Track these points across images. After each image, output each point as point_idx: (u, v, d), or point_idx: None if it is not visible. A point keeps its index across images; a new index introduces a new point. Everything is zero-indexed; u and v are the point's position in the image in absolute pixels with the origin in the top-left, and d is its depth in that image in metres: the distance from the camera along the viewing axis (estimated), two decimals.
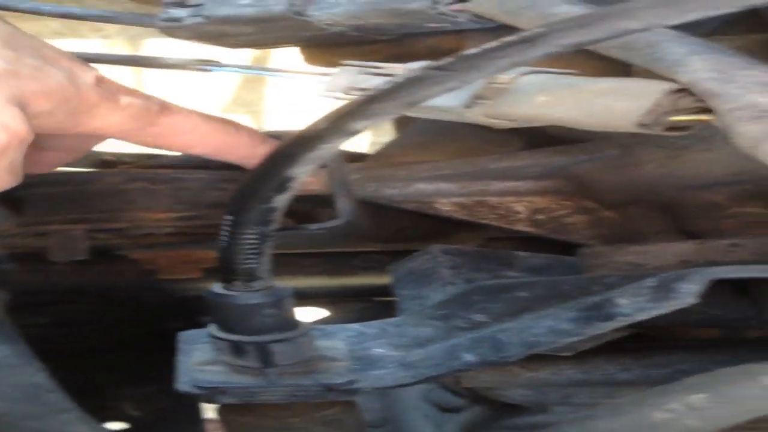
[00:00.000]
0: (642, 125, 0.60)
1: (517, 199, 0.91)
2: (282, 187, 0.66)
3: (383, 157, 0.98)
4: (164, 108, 0.82)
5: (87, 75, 0.78)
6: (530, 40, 0.52)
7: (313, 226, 0.95)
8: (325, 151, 0.62)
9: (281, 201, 0.67)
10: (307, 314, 1.22)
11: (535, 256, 0.89)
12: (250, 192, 0.67)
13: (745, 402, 0.69)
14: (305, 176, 0.65)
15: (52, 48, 0.78)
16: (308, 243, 1.03)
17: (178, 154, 1.01)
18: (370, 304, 1.16)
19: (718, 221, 0.85)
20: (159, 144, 0.83)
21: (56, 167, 0.89)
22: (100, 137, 0.83)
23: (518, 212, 0.92)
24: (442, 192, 0.92)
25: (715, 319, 0.85)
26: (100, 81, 0.79)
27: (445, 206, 0.92)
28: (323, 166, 0.94)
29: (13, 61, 0.73)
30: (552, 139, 0.90)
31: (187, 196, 0.96)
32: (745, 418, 0.71)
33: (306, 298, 1.18)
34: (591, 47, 0.67)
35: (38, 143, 0.82)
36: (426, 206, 0.93)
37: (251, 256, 0.70)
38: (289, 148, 0.63)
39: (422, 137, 0.97)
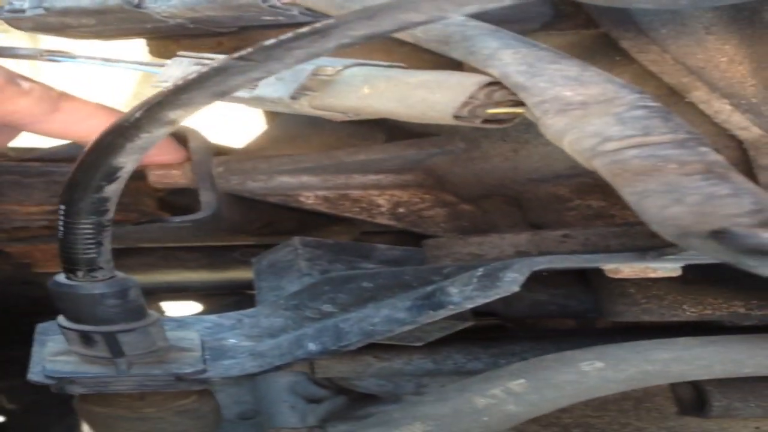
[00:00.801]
0: (458, 117, 0.61)
1: (379, 192, 0.92)
2: (110, 177, 0.66)
3: (249, 150, 0.98)
4: (63, 93, 0.82)
5: None
6: (322, 32, 0.53)
7: (177, 219, 0.95)
8: (145, 140, 0.63)
9: (112, 191, 0.67)
10: (183, 308, 1.23)
11: (392, 248, 0.90)
12: (79, 182, 0.67)
13: (563, 387, 0.71)
14: (132, 166, 0.65)
15: None
16: (179, 236, 1.04)
17: (48, 146, 1.00)
18: (244, 297, 1.16)
19: (562, 213, 0.87)
20: (63, 131, 0.83)
21: None
22: (12, 128, 0.82)
23: (380, 205, 0.93)
24: (305, 185, 0.93)
25: (566, 310, 0.87)
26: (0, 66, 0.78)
27: (309, 200, 0.93)
28: (188, 159, 0.94)
29: None
30: (410, 133, 0.91)
31: (59, 189, 0.96)
32: (564, 404, 0.73)
33: (185, 291, 1.19)
34: (416, 42, 0.68)
35: None
36: (290, 199, 0.94)
37: (90, 246, 0.70)
38: (110, 138, 0.63)
39: (288, 130, 0.98)
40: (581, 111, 0.56)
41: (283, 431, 1.01)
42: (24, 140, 0.88)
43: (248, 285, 1.12)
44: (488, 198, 0.88)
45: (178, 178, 0.93)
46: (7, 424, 1.16)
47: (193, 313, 1.18)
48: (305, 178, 0.92)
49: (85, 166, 0.65)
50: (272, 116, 1.02)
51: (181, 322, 0.82)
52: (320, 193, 0.93)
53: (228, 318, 0.83)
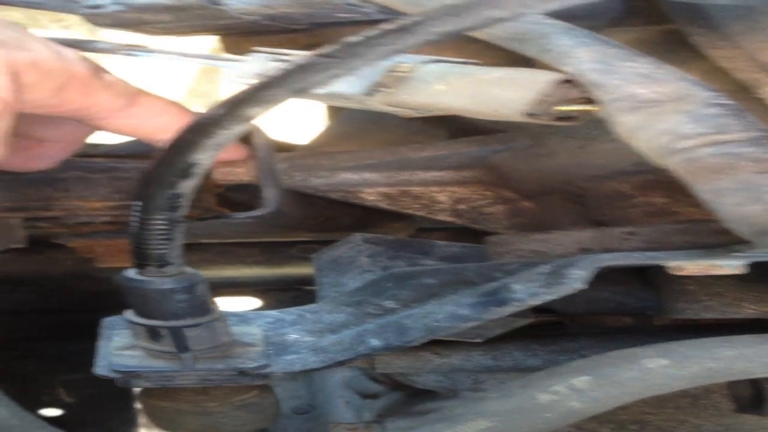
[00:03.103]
0: (528, 114, 0.61)
1: (440, 189, 0.93)
2: (185, 173, 0.67)
3: (313, 146, 0.99)
4: (141, 89, 0.82)
5: (70, 51, 0.78)
6: (408, 28, 0.53)
7: (240, 215, 0.96)
8: (223, 137, 0.63)
9: (187, 187, 0.68)
10: (240, 303, 1.23)
11: (452, 245, 0.90)
12: (155, 178, 0.68)
13: (627, 384, 0.71)
14: (208, 162, 0.66)
15: (23, 27, 0.78)
16: (239, 232, 1.04)
17: (113, 143, 1.01)
18: (302, 293, 1.17)
19: (624, 210, 0.87)
20: (134, 127, 0.83)
21: (56, 161, 0.89)
22: (91, 121, 0.82)
23: (441, 202, 0.94)
24: (367, 182, 0.94)
25: (624, 307, 0.86)
26: (84, 58, 0.79)
27: (370, 196, 0.94)
28: (253, 156, 0.95)
29: None
30: (475, 130, 0.91)
31: (124, 186, 0.96)
32: (626, 401, 0.73)
33: (243, 286, 1.19)
34: (491, 40, 0.68)
35: (35, 134, 0.84)
36: (351, 196, 0.94)
37: (162, 242, 0.71)
38: (188, 135, 0.64)
39: (351, 127, 0.99)
40: (654, 108, 0.56)
41: (342, 426, 1.01)
42: (93, 137, 0.88)
43: (305, 281, 1.13)
44: (549, 195, 0.89)
45: (243, 174, 0.93)
46: (66, 418, 1.17)
47: (252, 309, 1.18)
48: (367, 175, 0.93)
49: (162, 163, 0.66)
50: (335, 113, 1.02)
51: (243, 318, 0.83)
52: (381, 189, 0.93)
53: (289, 313, 0.84)
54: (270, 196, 0.92)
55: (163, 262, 0.72)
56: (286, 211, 0.95)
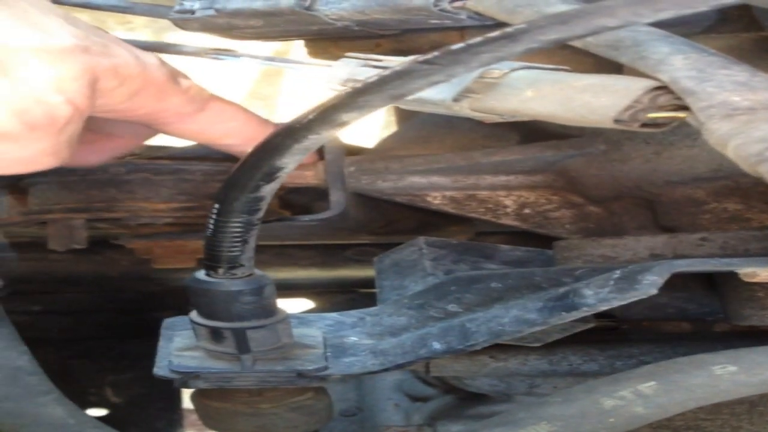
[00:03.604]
0: (618, 121, 0.60)
1: (506, 193, 0.93)
2: (270, 177, 0.67)
3: (381, 150, 0.99)
4: (213, 95, 0.83)
5: (150, 56, 0.78)
6: (512, 36, 0.53)
7: (305, 218, 0.96)
8: (313, 141, 0.63)
9: (268, 190, 0.68)
10: (294, 305, 1.23)
11: (515, 249, 0.90)
12: (239, 181, 0.68)
13: (694, 390, 0.70)
14: (293, 166, 0.66)
15: (105, 31, 0.79)
16: (301, 234, 1.05)
17: (182, 145, 1.01)
18: (357, 296, 1.17)
19: (697, 216, 0.87)
20: (201, 132, 0.83)
21: (115, 156, 0.90)
22: (159, 125, 0.82)
23: (506, 206, 0.93)
24: (435, 185, 0.94)
25: (684, 313, 0.86)
26: (163, 62, 0.79)
27: (435, 200, 0.94)
28: (321, 159, 0.95)
29: (82, 38, 0.72)
30: (547, 135, 0.91)
31: (188, 188, 0.97)
32: (691, 407, 0.72)
33: (297, 288, 1.20)
34: (584, 46, 0.68)
35: (101, 130, 0.84)
36: (417, 199, 0.94)
37: (236, 244, 0.71)
38: (278, 139, 0.64)
39: (421, 131, 0.99)
40: (748, 116, 0.55)
41: (393, 429, 1.00)
42: (154, 139, 0.89)
43: (360, 283, 1.13)
44: (618, 200, 0.88)
45: (311, 177, 0.93)
46: (112, 417, 1.17)
47: (304, 310, 1.18)
48: (435, 179, 0.93)
49: (247, 166, 0.66)
50: (404, 117, 1.02)
51: (302, 319, 0.83)
52: (448, 193, 0.93)
53: (349, 316, 0.84)
54: (336, 199, 0.92)
55: (234, 264, 0.72)
56: (349, 214, 0.95)
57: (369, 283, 1.05)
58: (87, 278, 1.08)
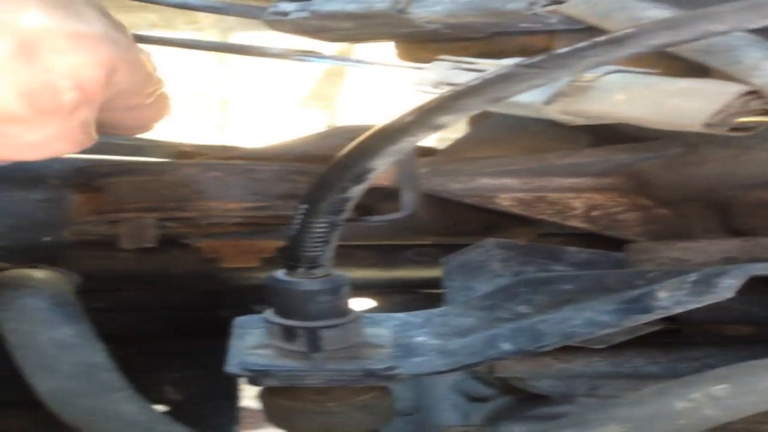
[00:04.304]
0: (708, 125, 0.61)
1: (575, 195, 0.94)
2: (360, 178, 0.68)
3: (453, 152, 1.00)
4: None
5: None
6: (619, 41, 0.54)
7: (375, 218, 0.97)
8: (407, 144, 0.64)
9: (357, 191, 0.69)
10: (355, 305, 1.24)
11: (582, 251, 0.91)
12: (329, 182, 0.69)
13: (766, 393, 0.70)
14: (384, 168, 0.66)
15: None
16: (366, 235, 1.05)
17: (251, 146, 1.02)
18: (416, 296, 1.17)
19: None
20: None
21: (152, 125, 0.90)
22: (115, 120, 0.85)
23: (575, 208, 0.94)
24: (505, 187, 0.95)
25: (751, 317, 0.86)
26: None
27: (505, 201, 0.95)
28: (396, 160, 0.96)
29: (111, 30, 0.75)
30: (619, 136, 0.92)
31: (259, 187, 0.98)
32: (762, 409, 0.72)
33: (357, 289, 1.20)
34: (674, 50, 0.69)
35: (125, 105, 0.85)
36: (487, 201, 0.96)
37: (318, 245, 0.73)
38: (372, 141, 0.65)
39: (493, 133, 1.00)
40: None
41: (454, 429, 1.01)
42: (227, 139, 0.90)
43: (421, 284, 1.13)
44: (689, 203, 0.88)
45: (382, 178, 0.94)
46: (171, 414, 1.18)
47: (366, 309, 1.18)
48: (506, 180, 0.94)
49: (338, 167, 0.67)
50: (476, 118, 1.02)
51: (372, 319, 0.84)
52: (517, 195, 0.94)
53: (417, 316, 0.85)
54: (408, 200, 0.93)
55: (314, 264, 0.73)
56: (417, 215, 0.95)
57: (429, 283, 1.06)
58: (151, 276, 1.09)
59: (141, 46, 0.79)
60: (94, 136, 0.78)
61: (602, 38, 0.54)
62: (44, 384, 0.86)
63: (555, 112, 0.68)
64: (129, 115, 0.82)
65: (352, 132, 0.97)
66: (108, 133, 0.84)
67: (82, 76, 0.72)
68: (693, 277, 0.69)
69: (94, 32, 0.73)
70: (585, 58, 0.55)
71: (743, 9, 0.52)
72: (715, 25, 0.51)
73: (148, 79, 0.80)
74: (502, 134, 0.98)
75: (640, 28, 0.53)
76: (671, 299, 0.70)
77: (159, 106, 0.84)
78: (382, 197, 0.97)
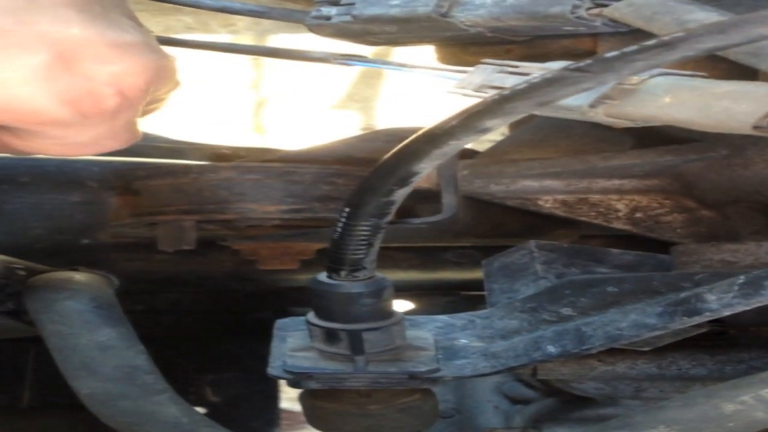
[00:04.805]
0: (757, 128, 0.60)
1: (619, 197, 0.94)
2: (404, 181, 0.68)
3: (495, 154, 0.99)
4: None
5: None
6: (669, 44, 0.53)
7: (416, 221, 0.96)
8: (452, 147, 0.63)
9: (400, 194, 0.69)
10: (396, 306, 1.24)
11: (626, 253, 0.90)
12: (373, 185, 0.69)
13: None
14: (428, 171, 0.66)
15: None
16: (406, 237, 1.05)
17: (289, 149, 1.02)
18: (456, 298, 1.17)
19: None
20: None
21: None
22: None
23: (618, 210, 0.94)
24: (547, 189, 0.94)
25: None
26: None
27: (547, 203, 0.95)
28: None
29: (148, 38, 0.77)
30: (663, 138, 0.91)
31: (298, 190, 0.98)
32: None
33: (395, 290, 1.20)
34: (722, 53, 0.68)
35: None
36: (529, 203, 0.95)
37: (361, 247, 0.72)
38: (418, 144, 0.65)
39: (535, 135, 1.00)
40: None
41: (499, 431, 1.00)
42: (265, 141, 0.90)
43: (460, 286, 1.13)
44: (734, 204, 0.87)
45: (423, 181, 0.93)
46: (210, 416, 1.18)
47: (406, 311, 1.18)
48: (548, 182, 0.94)
49: (383, 170, 0.67)
50: (517, 121, 1.02)
51: (414, 321, 0.84)
52: (560, 197, 0.93)
53: (459, 318, 0.84)
54: (448, 203, 0.93)
55: (357, 267, 0.73)
56: (459, 217, 0.95)
57: (469, 285, 1.06)
58: (189, 278, 1.09)
59: (166, 49, 0.80)
60: (140, 133, 0.81)
61: (652, 42, 0.54)
62: (85, 386, 0.86)
63: (600, 115, 0.67)
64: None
65: (393, 135, 0.98)
66: None
67: (124, 83, 0.74)
68: (741, 279, 0.69)
69: (133, 41, 0.75)
70: (634, 62, 0.54)
71: None
72: (765, 29, 0.51)
73: (176, 83, 0.83)
74: (544, 136, 0.97)
75: (690, 32, 0.53)
76: (719, 302, 0.69)
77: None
78: (422, 199, 0.97)
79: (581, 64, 0.56)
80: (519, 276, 0.87)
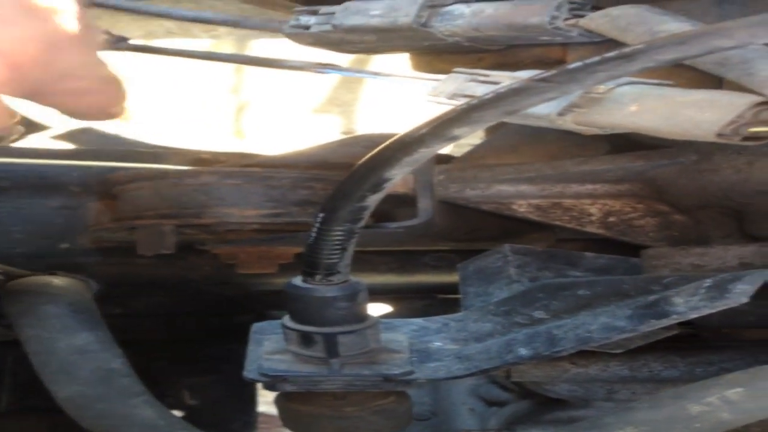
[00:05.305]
0: (720, 135, 0.61)
1: (592, 201, 0.94)
2: (376, 188, 0.69)
3: (471, 159, 1.00)
4: None
5: None
6: (630, 56, 0.54)
7: (392, 225, 0.97)
8: (422, 154, 0.64)
9: (373, 200, 0.70)
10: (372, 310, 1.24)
11: (599, 256, 0.91)
12: (346, 191, 0.70)
13: None
14: (400, 177, 0.67)
15: None
16: (383, 241, 1.06)
17: (269, 154, 1.02)
18: (433, 302, 1.17)
19: None
20: None
21: None
22: None
23: (591, 214, 0.95)
24: (522, 194, 0.95)
25: (762, 321, 0.87)
26: None
27: (521, 207, 0.96)
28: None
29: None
30: (636, 144, 0.92)
31: (277, 194, 0.98)
32: None
33: (373, 294, 1.20)
34: (689, 62, 0.69)
35: None
36: (503, 207, 0.96)
37: (335, 252, 0.73)
38: (389, 151, 0.66)
39: (511, 140, 1.00)
40: None
41: None
42: (245, 146, 0.91)
43: (437, 289, 1.14)
44: (705, 209, 0.88)
45: (400, 186, 0.94)
46: (188, 419, 1.19)
47: (382, 314, 1.19)
48: (523, 187, 0.95)
49: (356, 177, 0.68)
50: (493, 127, 1.03)
51: (388, 325, 0.85)
52: (534, 201, 0.94)
53: (434, 321, 0.85)
54: (424, 207, 0.93)
55: (331, 271, 0.73)
56: (433, 221, 0.95)
57: (446, 288, 1.06)
58: (169, 282, 1.09)
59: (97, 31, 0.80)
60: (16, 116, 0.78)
61: (612, 54, 0.55)
62: (63, 389, 0.87)
63: (569, 123, 0.68)
64: (77, 100, 0.81)
65: (370, 140, 0.98)
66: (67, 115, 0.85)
67: (15, 49, 0.71)
68: (708, 282, 0.70)
69: (41, 6, 0.72)
70: (596, 72, 0.55)
71: (752, 25, 0.52)
72: (724, 41, 0.52)
73: (94, 64, 0.80)
74: (519, 142, 0.98)
75: (649, 44, 0.54)
76: (687, 304, 0.70)
77: (110, 93, 0.82)
78: (399, 204, 0.98)
79: (546, 74, 0.57)
80: (493, 279, 0.87)
